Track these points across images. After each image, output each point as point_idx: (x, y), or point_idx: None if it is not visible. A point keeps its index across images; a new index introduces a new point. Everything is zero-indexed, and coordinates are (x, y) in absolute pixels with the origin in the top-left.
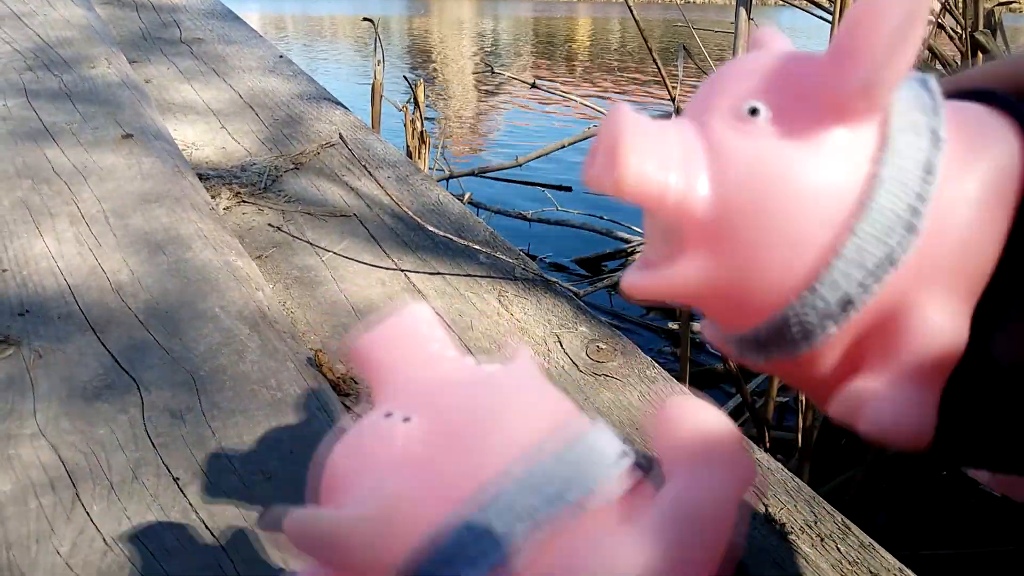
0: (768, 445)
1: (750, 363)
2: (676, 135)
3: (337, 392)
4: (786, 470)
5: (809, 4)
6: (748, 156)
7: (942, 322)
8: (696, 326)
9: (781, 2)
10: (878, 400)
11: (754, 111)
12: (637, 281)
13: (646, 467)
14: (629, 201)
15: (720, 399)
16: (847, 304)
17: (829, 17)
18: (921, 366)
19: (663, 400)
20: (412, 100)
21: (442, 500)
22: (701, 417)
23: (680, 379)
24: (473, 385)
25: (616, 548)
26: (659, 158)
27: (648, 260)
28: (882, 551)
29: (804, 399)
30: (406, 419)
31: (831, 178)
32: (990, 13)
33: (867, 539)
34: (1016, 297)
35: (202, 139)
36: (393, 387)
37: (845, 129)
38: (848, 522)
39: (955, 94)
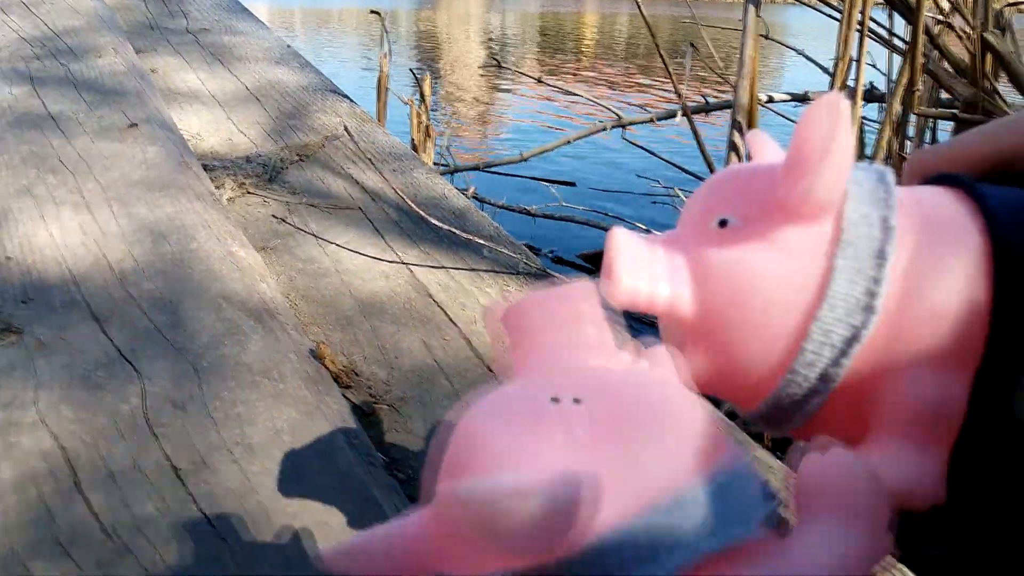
0: (769, 443)
1: (774, 433)
2: (663, 251)
3: (339, 385)
4: (787, 468)
5: (819, 2)
6: (719, 261)
7: (931, 388)
8: None
9: (790, 0)
10: (880, 471)
11: (723, 223)
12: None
13: (781, 507)
14: (631, 309)
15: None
16: (826, 379)
17: (838, 16)
18: (917, 430)
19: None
20: (418, 93)
21: (619, 499)
22: (853, 477)
23: None
24: (640, 385)
25: None
26: (648, 273)
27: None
28: None
29: None
30: (576, 400)
31: (792, 273)
32: (999, 13)
33: None
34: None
35: (207, 129)
36: (547, 362)
37: (800, 229)
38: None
39: (925, 180)
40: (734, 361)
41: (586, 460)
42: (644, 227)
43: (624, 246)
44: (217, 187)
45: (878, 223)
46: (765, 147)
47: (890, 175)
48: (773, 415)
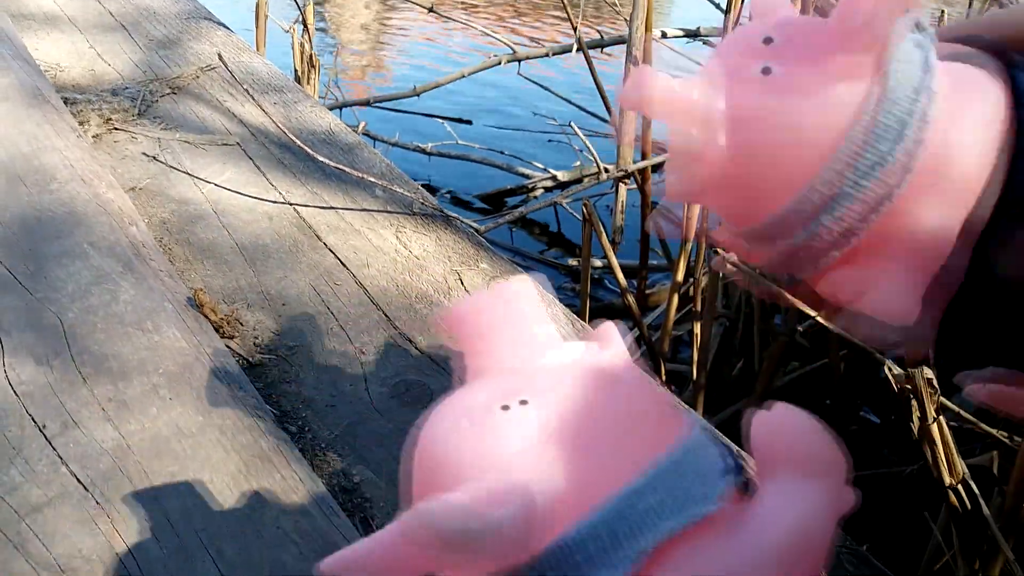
0: (664, 378)
1: (758, 257)
2: (694, 80)
3: (220, 335)
4: (682, 402)
5: None
6: (760, 79)
7: (930, 224)
8: (596, 262)
9: None
10: (871, 284)
11: (768, 40)
12: (669, 184)
13: (743, 474)
14: (658, 116)
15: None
16: (840, 200)
17: None
18: (910, 259)
19: (564, 338)
20: (300, 21)
21: (575, 498)
22: (804, 431)
23: (580, 315)
24: (586, 376)
25: (725, 560)
26: (683, 81)
27: (673, 165)
28: None
29: (699, 332)
30: (523, 402)
31: (832, 95)
32: None
33: None
34: (1006, 215)
35: (67, 59)
36: (495, 365)
37: (847, 56)
38: (743, 452)
39: (951, 39)
40: (758, 175)
41: (540, 461)
42: (541, 166)
43: (655, 70)
44: (80, 123)
45: (919, 62)
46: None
47: (927, 23)
48: (775, 233)
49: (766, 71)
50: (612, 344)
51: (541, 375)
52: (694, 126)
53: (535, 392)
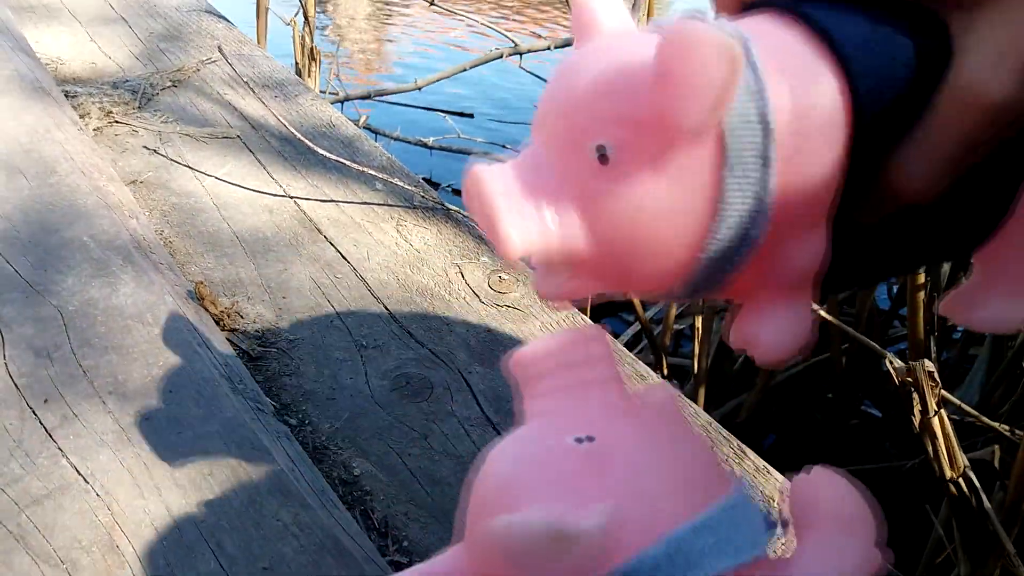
0: (666, 371)
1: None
2: (542, 191)
3: (220, 327)
4: (683, 395)
5: None
6: (609, 199)
7: (803, 249)
8: None
9: None
10: (758, 335)
11: (602, 153)
12: (545, 289)
13: (781, 527)
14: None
15: (620, 327)
16: (714, 275)
17: None
18: (789, 286)
19: (565, 330)
20: (301, 14)
21: (638, 530)
22: (841, 494)
23: (582, 309)
24: (647, 422)
25: None
26: (536, 226)
27: (545, 272)
28: (776, 474)
29: (700, 327)
30: (590, 438)
31: (684, 198)
32: None
33: (761, 462)
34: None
35: (68, 53)
36: (559, 407)
37: (684, 147)
38: (743, 446)
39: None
40: (629, 278)
41: (607, 492)
42: None
43: (500, 196)
44: (81, 116)
45: (758, 123)
46: (599, 10)
47: (749, 43)
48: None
49: (602, 156)
50: (665, 402)
51: (607, 418)
52: (554, 257)
53: (603, 431)
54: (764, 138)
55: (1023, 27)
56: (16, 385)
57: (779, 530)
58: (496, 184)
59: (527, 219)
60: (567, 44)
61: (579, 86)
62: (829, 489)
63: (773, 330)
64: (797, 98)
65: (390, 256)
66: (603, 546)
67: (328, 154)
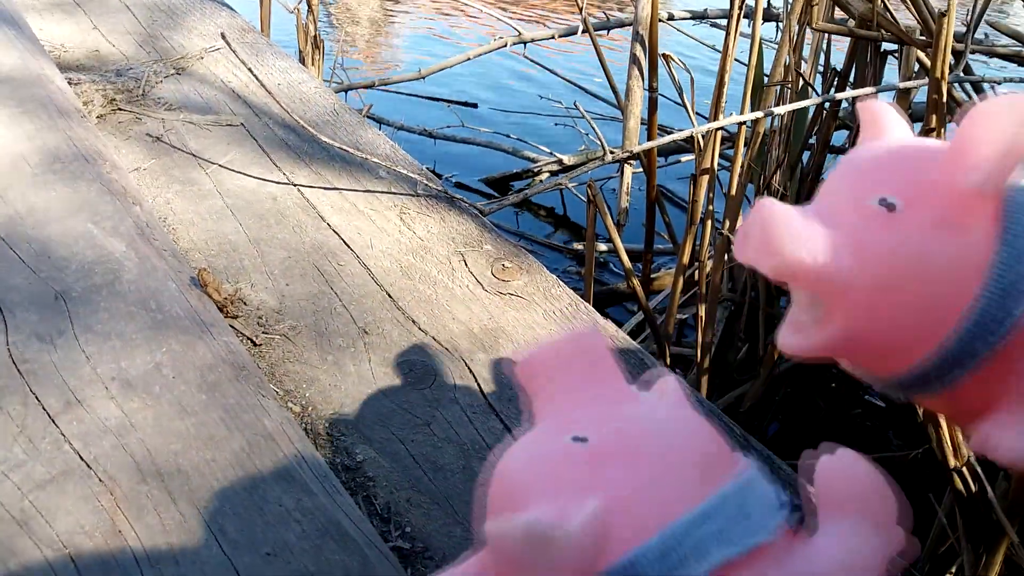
0: (668, 360)
1: (897, 398)
2: (819, 224)
3: (224, 314)
4: (687, 384)
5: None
6: (889, 242)
7: None
8: (601, 246)
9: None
10: (1004, 435)
11: (887, 204)
12: (794, 343)
13: (799, 510)
14: (784, 281)
15: (623, 316)
16: (974, 355)
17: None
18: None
19: (569, 320)
20: (305, 1)
21: (641, 518)
22: (864, 475)
23: (585, 298)
24: (647, 417)
25: None
26: (810, 245)
27: (797, 323)
28: (780, 462)
29: (703, 315)
30: (588, 437)
31: (956, 258)
32: None
33: (766, 451)
34: None
35: (72, 40)
36: (564, 407)
37: (966, 215)
38: (748, 435)
39: None
40: (888, 335)
41: (608, 489)
42: (547, 150)
43: (781, 216)
44: (84, 103)
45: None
46: (886, 119)
47: None
48: (911, 384)
49: (888, 205)
50: (670, 393)
51: (608, 415)
52: (821, 295)
53: (602, 428)
54: None
55: None
56: (19, 371)
57: (791, 511)
58: (779, 209)
59: (805, 238)
60: (571, 33)
61: (869, 158)
62: (852, 471)
63: (1014, 438)
64: None
65: (393, 244)
66: (594, 544)
67: (332, 142)
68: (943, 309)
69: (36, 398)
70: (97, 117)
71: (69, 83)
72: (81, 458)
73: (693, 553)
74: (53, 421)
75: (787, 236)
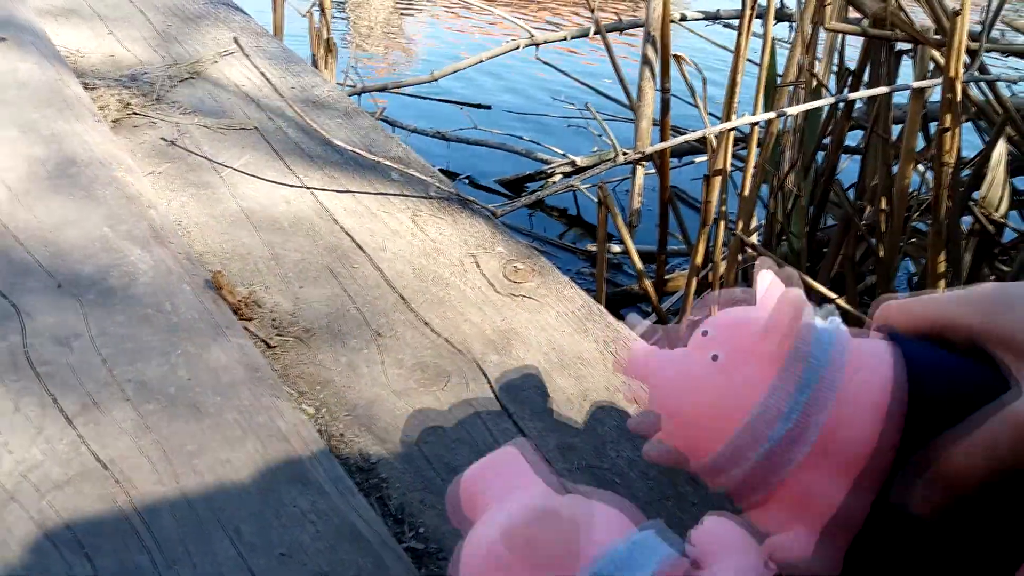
0: None
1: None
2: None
3: (238, 316)
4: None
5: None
6: (704, 375)
7: (835, 496)
8: (615, 247)
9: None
10: (788, 553)
11: (714, 356)
12: (651, 453)
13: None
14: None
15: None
16: (746, 460)
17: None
18: (821, 527)
19: (582, 321)
20: (318, 5)
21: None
22: (736, 531)
23: (597, 299)
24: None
25: None
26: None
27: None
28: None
29: None
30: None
31: (748, 381)
32: None
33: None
34: (902, 468)
35: (87, 45)
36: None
37: (760, 356)
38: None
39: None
40: (698, 445)
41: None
42: (560, 151)
43: (639, 350)
44: (100, 108)
45: (812, 367)
46: (767, 286)
47: (840, 335)
48: (732, 489)
49: (714, 357)
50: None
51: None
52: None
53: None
54: (810, 375)
55: None
56: (37, 373)
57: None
58: (641, 346)
59: (648, 367)
60: (583, 35)
61: (727, 322)
62: (727, 529)
63: (783, 539)
64: (857, 370)
65: (406, 246)
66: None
67: (345, 145)
68: (730, 422)
69: (53, 400)
70: (112, 121)
71: (85, 88)
72: (98, 459)
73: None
74: (70, 423)
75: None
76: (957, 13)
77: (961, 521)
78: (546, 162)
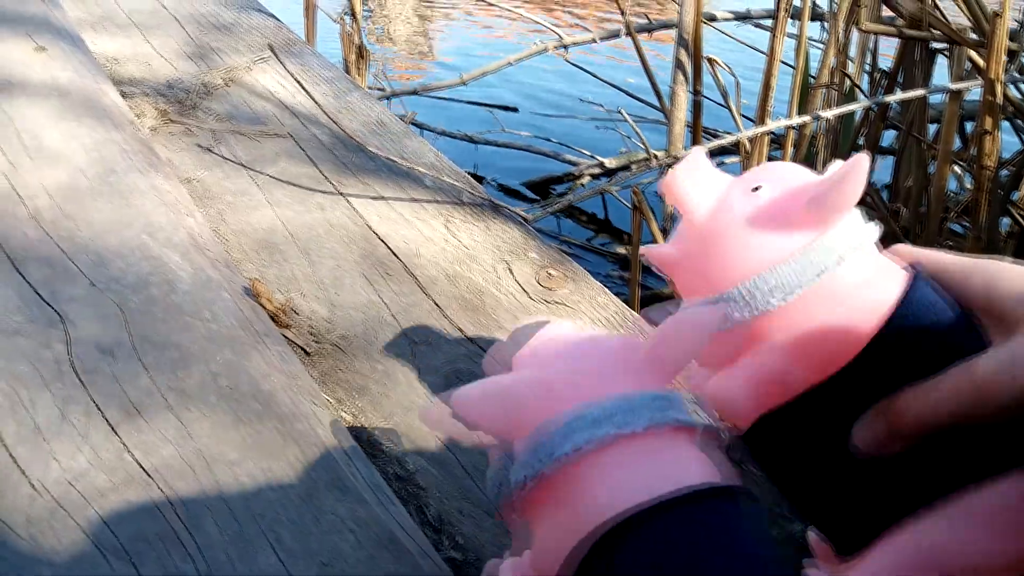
0: None
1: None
2: (718, 181)
3: (276, 323)
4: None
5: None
6: (740, 204)
7: (786, 362)
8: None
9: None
10: (716, 389)
11: (757, 188)
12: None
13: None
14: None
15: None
16: (760, 299)
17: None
18: (762, 383)
19: (616, 328)
20: (349, 11)
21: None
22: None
23: (630, 304)
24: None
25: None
26: (700, 186)
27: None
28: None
29: None
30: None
31: (772, 238)
32: None
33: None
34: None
35: (124, 54)
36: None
37: (802, 220)
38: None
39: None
40: (712, 265)
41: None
42: (588, 153)
43: (696, 165)
44: (137, 115)
45: (835, 254)
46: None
47: (875, 232)
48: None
49: (755, 188)
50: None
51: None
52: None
53: (540, 353)
54: (832, 263)
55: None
56: (82, 381)
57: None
58: (702, 163)
59: (695, 180)
60: (613, 36)
61: (783, 175)
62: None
63: (722, 393)
64: (868, 284)
65: (439, 252)
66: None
67: (378, 152)
68: (756, 262)
69: (98, 408)
70: (149, 129)
71: (122, 96)
72: (142, 467)
73: (562, 433)
74: (114, 431)
75: (687, 177)
76: (997, 15)
77: (899, 464)
78: (574, 164)
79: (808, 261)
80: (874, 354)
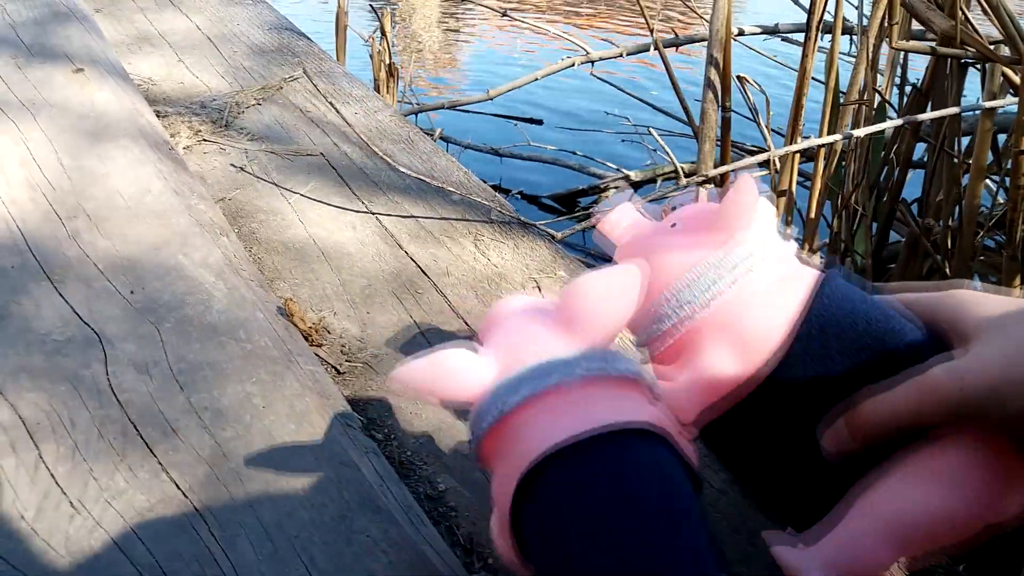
0: None
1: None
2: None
3: (308, 342)
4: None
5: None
6: (659, 238)
7: (718, 363)
8: None
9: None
10: (672, 380)
11: (674, 225)
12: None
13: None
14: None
15: None
16: (672, 313)
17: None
18: (700, 383)
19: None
20: (379, 30)
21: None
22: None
23: None
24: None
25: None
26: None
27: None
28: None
29: None
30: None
31: (688, 254)
32: None
33: None
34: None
35: (159, 74)
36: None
37: (710, 240)
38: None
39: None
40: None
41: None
42: (614, 166)
43: (624, 215)
44: (171, 135)
45: (746, 260)
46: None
47: (791, 244)
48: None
49: (672, 225)
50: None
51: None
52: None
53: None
54: (744, 263)
55: (977, 361)
56: (119, 401)
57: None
58: (627, 215)
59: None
60: (640, 51)
61: (695, 210)
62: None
63: (671, 399)
64: (789, 274)
65: (468, 271)
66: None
67: (408, 171)
68: (671, 278)
69: (135, 427)
70: (184, 148)
71: (157, 115)
72: (178, 487)
73: (509, 387)
74: (151, 450)
75: (615, 218)
76: None
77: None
78: (600, 177)
79: (724, 267)
80: (802, 344)
